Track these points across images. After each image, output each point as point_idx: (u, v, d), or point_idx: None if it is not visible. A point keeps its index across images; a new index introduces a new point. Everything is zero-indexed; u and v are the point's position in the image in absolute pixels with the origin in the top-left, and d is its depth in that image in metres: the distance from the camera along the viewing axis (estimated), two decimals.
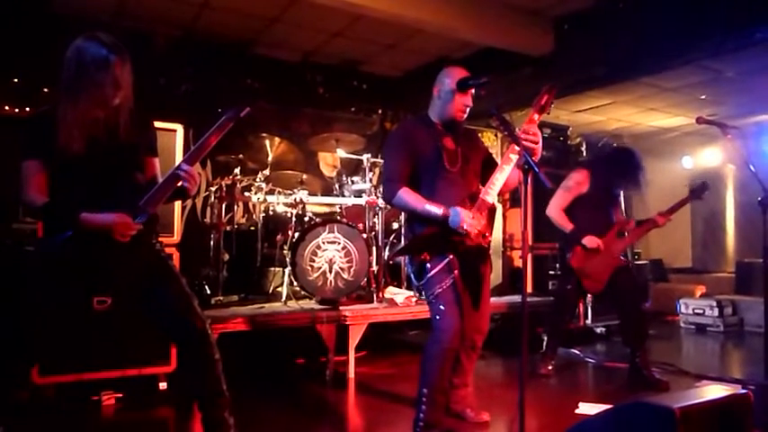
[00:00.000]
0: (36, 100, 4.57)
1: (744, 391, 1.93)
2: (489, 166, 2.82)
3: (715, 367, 4.20)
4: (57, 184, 2.12)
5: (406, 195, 2.59)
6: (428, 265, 2.57)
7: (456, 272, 2.57)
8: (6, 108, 4.27)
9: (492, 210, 2.63)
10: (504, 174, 2.58)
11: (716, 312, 6.03)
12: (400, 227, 4.78)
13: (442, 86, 2.71)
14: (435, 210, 2.52)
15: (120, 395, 3.22)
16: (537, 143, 2.51)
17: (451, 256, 2.57)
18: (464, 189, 2.66)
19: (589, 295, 5.23)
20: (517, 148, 2.47)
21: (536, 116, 2.59)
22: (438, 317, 2.55)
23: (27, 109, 4.57)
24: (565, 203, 3.87)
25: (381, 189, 3.10)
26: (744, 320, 6.16)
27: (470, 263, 2.66)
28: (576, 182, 3.86)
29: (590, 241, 3.74)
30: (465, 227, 2.48)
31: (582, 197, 3.85)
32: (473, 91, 2.71)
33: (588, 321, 5.57)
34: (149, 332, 3.17)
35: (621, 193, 4.05)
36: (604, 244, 3.76)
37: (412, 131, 2.71)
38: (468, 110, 2.72)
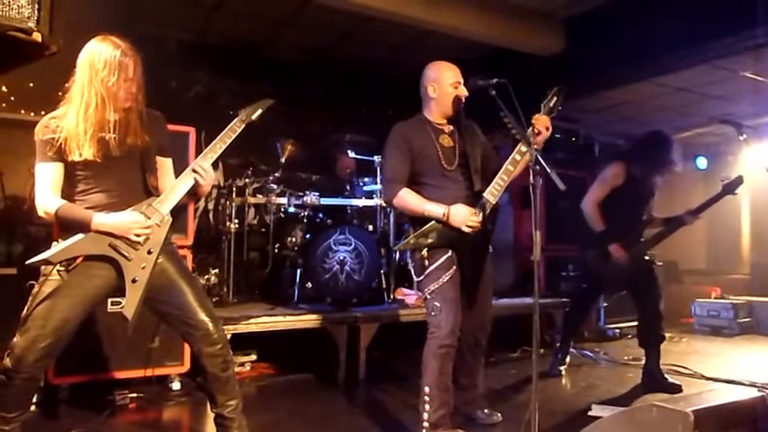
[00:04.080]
0: (50, 104, 4.61)
1: (759, 394, 1.91)
2: (488, 161, 2.81)
3: (730, 370, 4.14)
4: (70, 186, 2.15)
5: (407, 196, 2.60)
6: (426, 261, 2.56)
7: (454, 268, 2.56)
8: (22, 112, 4.32)
9: (494, 209, 2.62)
10: (509, 174, 2.58)
11: (731, 314, 5.93)
12: None
13: (438, 84, 2.71)
14: (436, 209, 2.53)
15: (134, 395, 3.25)
16: (540, 134, 2.53)
17: (451, 253, 2.57)
18: (465, 187, 2.67)
19: (603, 296, 5.21)
20: (524, 149, 2.47)
21: (544, 117, 2.60)
22: (434, 313, 2.54)
23: (42, 113, 4.61)
24: (601, 196, 3.77)
25: (382, 190, 3.10)
26: (759, 322, 6.05)
27: (471, 260, 2.65)
28: (613, 173, 3.74)
29: (616, 250, 3.67)
30: (468, 224, 2.48)
31: (617, 190, 3.73)
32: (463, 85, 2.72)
33: (601, 323, 5.54)
34: (163, 333, 3.22)
35: (657, 185, 3.87)
36: (629, 245, 3.69)
37: (408, 132, 2.71)
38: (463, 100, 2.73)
